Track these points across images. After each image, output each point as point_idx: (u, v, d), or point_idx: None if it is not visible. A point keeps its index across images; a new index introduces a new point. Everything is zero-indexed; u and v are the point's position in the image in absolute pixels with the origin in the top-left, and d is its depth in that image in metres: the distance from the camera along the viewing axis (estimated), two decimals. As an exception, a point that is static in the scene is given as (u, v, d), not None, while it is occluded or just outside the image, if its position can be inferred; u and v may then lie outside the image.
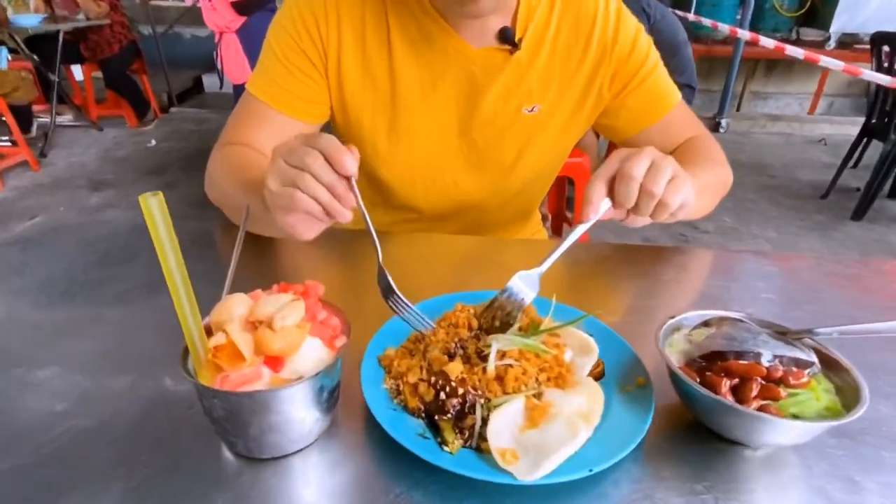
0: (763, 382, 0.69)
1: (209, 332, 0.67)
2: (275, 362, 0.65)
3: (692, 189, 0.88)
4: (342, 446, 0.73)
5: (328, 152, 0.76)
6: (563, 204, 3.74)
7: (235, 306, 0.67)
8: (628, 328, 0.98)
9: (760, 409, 0.67)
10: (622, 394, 0.77)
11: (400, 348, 0.84)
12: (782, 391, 0.68)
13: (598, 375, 0.80)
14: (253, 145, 1.19)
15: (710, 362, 0.73)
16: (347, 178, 0.81)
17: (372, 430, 0.72)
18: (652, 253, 1.27)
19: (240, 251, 0.80)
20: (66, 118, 6.36)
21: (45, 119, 5.91)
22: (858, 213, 4.66)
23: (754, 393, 0.68)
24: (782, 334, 0.78)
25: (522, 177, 1.32)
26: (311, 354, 0.67)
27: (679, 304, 1.08)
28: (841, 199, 5.00)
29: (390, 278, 0.82)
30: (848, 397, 0.69)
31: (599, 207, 0.86)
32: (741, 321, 0.82)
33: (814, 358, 0.72)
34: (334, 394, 0.71)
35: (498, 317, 0.85)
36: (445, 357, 0.76)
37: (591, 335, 0.87)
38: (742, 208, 4.83)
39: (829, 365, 0.73)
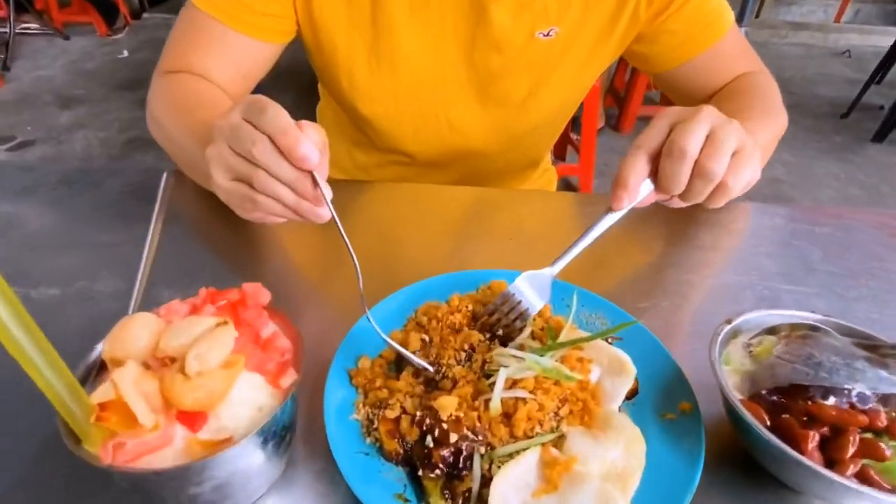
0: (861, 434, 0.52)
1: (103, 367, 0.48)
2: (192, 419, 0.46)
3: (759, 163, 0.66)
4: (301, 495, 0.56)
5: (277, 139, 0.56)
6: (568, 124, 3.45)
7: (135, 335, 0.47)
8: (656, 318, 0.80)
9: (858, 474, 0.50)
10: (661, 423, 0.60)
11: (379, 359, 0.66)
12: (886, 446, 0.51)
13: (629, 394, 0.62)
14: (203, 73, 0.94)
15: (787, 398, 0.55)
16: (309, 172, 0.59)
17: (339, 473, 0.55)
18: (674, 209, 1.05)
19: (155, 245, 0.59)
20: (29, 26, 5.82)
21: (4, 29, 5.40)
22: (880, 135, 4.38)
23: (851, 451, 0.50)
24: (871, 348, 0.59)
25: (534, 118, 1.08)
26: (247, 401, 0.48)
27: (717, 283, 0.88)
28: (862, 118, 4.69)
29: (375, 325, 0.62)
30: None
31: (638, 192, 0.65)
32: (819, 329, 0.63)
33: None
34: (285, 438, 0.53)
35: (499, 326, 0.66)
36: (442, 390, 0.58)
37: (614, 339, 0.68)
38: (757, 128, 4.53)
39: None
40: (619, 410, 0.59)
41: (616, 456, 0.52)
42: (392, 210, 1.02)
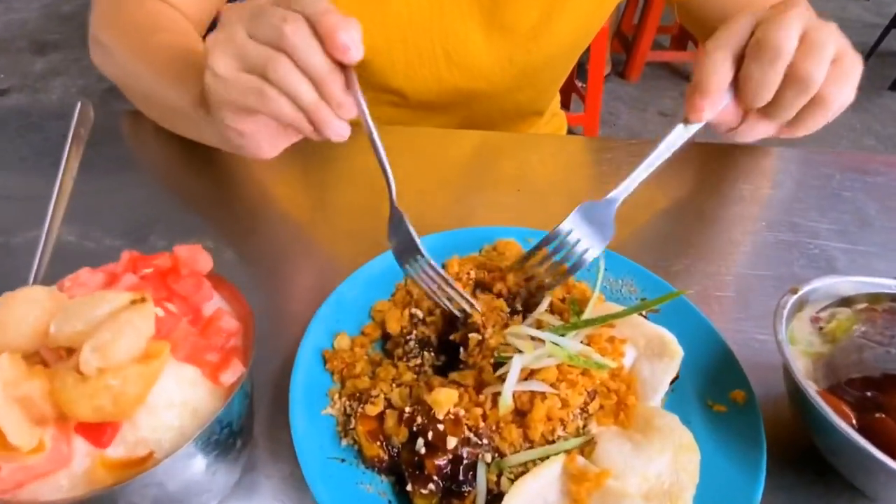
0: None
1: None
2: (97, 432, 0.34)
3: (857, 78, 0.53)
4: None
5: (316, 20, 0.47)
6: (573, 71, 3.25)
7: (18, 318, 0.35)
8: (691, 284, 0.67)
9: None
10: (708, 416, 0.48)
11: (361, 337, 0.53)
12: None
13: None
14: None
15: (880, 392, 0.43)
16: (345, 68, 0.49)
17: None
18: (707, 153, 0.91)
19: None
20: (-4, -38, 5.45)
21: (-31, -35, 5.05)
22: (899, 81, 4.18)
23: None
24: None
25: (545, 49, 0.92)
26: (176, 403, 0.36)
27: (760, 240, 0.75)
28: (881, 65, 4.47)
29: (413, 231, 0.51)
30: None
31: (721, 99, 0.52)
32: (888, 294, 0.50)
33: None
34: (235, 444, 0.41)
35: (544, 280, 0.53)
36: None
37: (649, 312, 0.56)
38: (771, 76, 4.32)
39: None
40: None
41: (661, 468, 0.40)
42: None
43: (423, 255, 0.49)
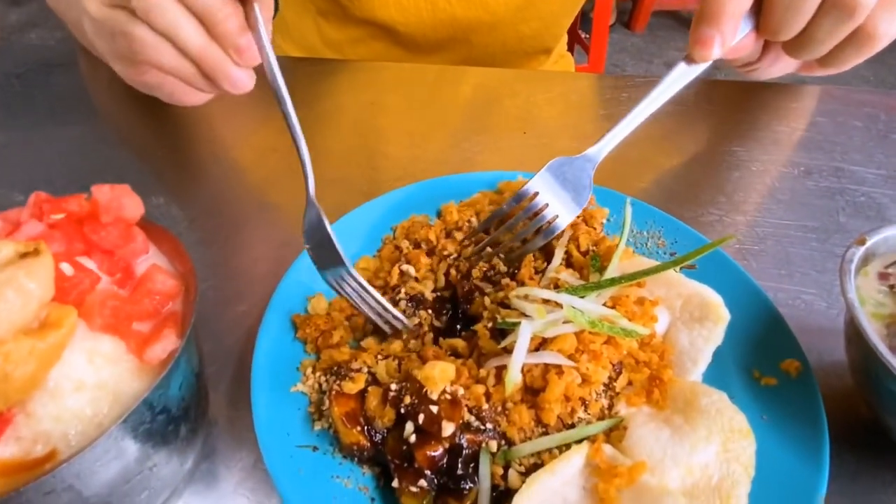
0: None
1: None
2: (-24, 425, 0.25)
3: None
4: (221, 502, 0.37)
5: None
6: (577, 20, 3.08)
7: None
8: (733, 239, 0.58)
9: None
10: (755, 390, 0.40)
11: (340, 300, 0.45)
12: None
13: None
14: None
15: None
16: (244, 2, 0.38)
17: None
18: (736, 92, 0.81)
19: None
20: None
21: None
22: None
23: None
24: None
25: None
26: (89, 386, 0.28)
27: (799, 187, 0.66)
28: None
29: (334, 236, 0.39)
30: None
31: (735, 32, 0.42)
32: None
33: None
34: (178, 431, 0.33)
35: (507, 248, 0.44)
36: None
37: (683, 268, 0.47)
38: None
39: None
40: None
41: (708, 459, 0.32)
42: (371, 95, 0.77)
43: (344, 266, 0.39)
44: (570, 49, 3.50)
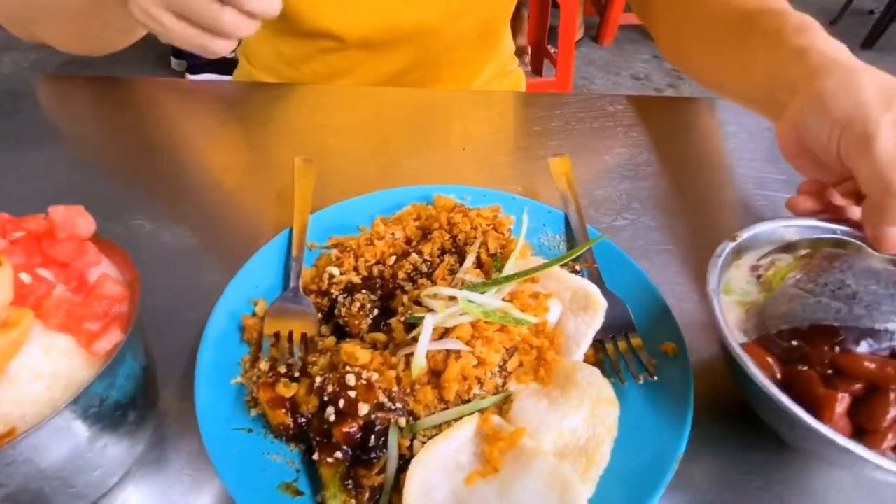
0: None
1: None
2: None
3: None
4: (167, 485, 0.43)
5: None
6: (544, 34, 3.19)
7: None
8: (635, 238, 0.65)
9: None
10: (640, 370, 0.46)
11: (279, 303, 0.50)
12: None
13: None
14: None
15: (807, 344, 0.41)
16: None
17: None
18: (664, 107, 0.89)
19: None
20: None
21: None
22: (870, 41, 4.19)
23: (889, 419, 0.37)
24: None
25: None
26: (45, 375, 0.33)
27: (708, 196, 0.73)
28: (853, 24, 4.47)
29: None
30: None
31: None
32: (851, 243, 0.49)
33: None
34: (127, 416, 0.39)
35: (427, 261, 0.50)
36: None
37: (584, 266, 0.54)
38: (744, 37, 4.28)
39: None
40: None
41: (577, 423, 0.39)
42: (321, 117, 0.84)
43: None
44: (539, 64, 3.59)
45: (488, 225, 0.53)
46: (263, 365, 0.43)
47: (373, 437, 0.39)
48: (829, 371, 0.39)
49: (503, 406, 0.41)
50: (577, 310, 0.46)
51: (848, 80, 0.47)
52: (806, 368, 0.39)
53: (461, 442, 0.38)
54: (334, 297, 0.49)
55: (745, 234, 0.50)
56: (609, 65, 3.69)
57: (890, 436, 0.37)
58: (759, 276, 0.50)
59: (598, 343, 0.47)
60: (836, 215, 0.53)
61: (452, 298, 0.44)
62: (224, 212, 0.67)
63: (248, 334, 0.48)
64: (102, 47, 0.79)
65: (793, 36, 0.55)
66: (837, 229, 0.50)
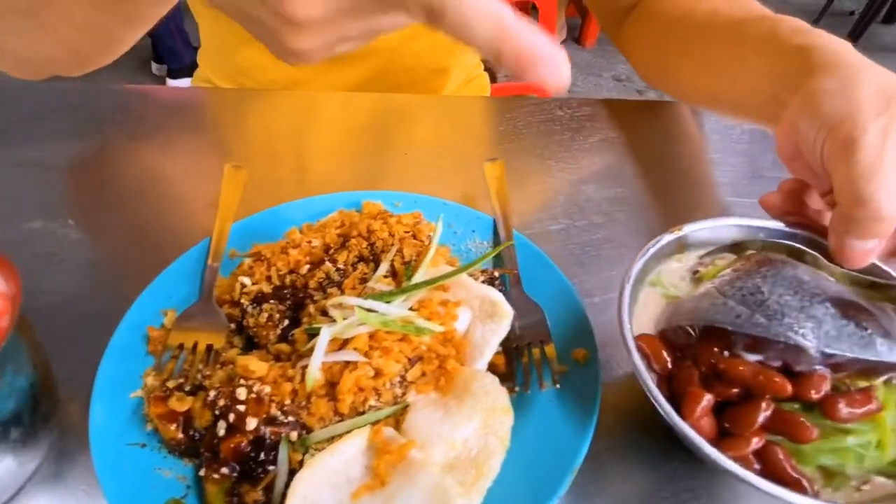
0: (784, 405, 0.38)
1: None
2: None
3: None
4: (61, 498, 0.42)
5: None
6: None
7: None
8: (570, 242, 0.65)
9: (761, 452, 0.37)
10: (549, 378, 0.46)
11: (188, 314, 0.49)
12: (814, 425, 0.37)
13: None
14: None
15: (701, 343, 0.41)
16: None
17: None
18: (616, 109, 0.89)
19: None
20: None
21: None
22: (849, 42, 4.22)
23: (759, 422, 0.37)
24: (874, 287, 0.44)
25: None
26: None
27: (648, 201, 0.73)
28: (833, 24, 4.51)
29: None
30: None
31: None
32: (807, 253, 0.48)
33: None
34: (12, 430, 0.38)
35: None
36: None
37: (502, 273, 0.53)
38: (725, 38, 4.32)
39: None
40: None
41: (469, 434, 0.38)
42: (263, 122, 0.83)
43: None
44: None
45: (406, 232, 0.52)
46: (152, 379, 0.43)
47: (262, 452, 0.38)
48: (706, 371, 0.39)
49: (401, 417, 0.41)
50: (484, 318, 0.45)
51: (847, 79, 0.43)
52: (689, 365, 0.40)
53: (350, 455, 0.38)
54: (244, 307, 0.48)
55: (688, 229, 0.49)
56: (591, 66, 3.70)
57: (755, 440, 0.36)
58: (695, 273, 0.50)
59: (514, 351, 0.47)
60: (809, 220, 0.50)
61: (356, 309, 0.43)
62: (153, 220, 0.66)
63: (152, 346, 0.47)
64: (101, 53, 0.63)
65: (791, 37, 0.52)
66: (798, 235, 0.49)
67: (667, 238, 0.48)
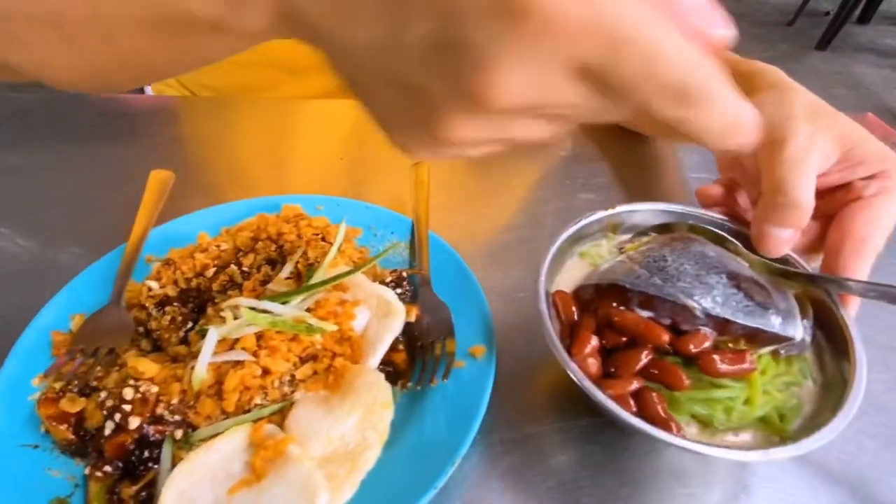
0: (665, 356, 0.42)
1: None
2: None
3: None
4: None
5: None
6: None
7: None
8: (496, 239, 0.66)
9: (638, 395, 0.40)
10: (453, 372, 0.47)
11: (94, 318, 0.50)
12: (685, 377, 0.40)
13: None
14: None
15: (601, 298, 0.45)
16: None
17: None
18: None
19: None
20: None
21: None
22: (824, 42, 4.28)
23: (639, 367, 0.41)
24: (785, 275, 0.47)
25: None
26: None
27: (578, 195, 0.75)
28: (808, 25, 4.58)
29: None
30: (832, 400, 0.40)
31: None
32: (729, 242, 0.51)
33: (798, 333, 0.42)
34: None
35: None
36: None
37: (411, 273, 0.55)
38: (702, 40, 4.37)
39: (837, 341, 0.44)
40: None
41: (347, 429, 0.39)
42: (207, 128, 0.84)
43: None
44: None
45: (315, 234, 0.53)
46: (37, 380, 0.44)
47: (146, 450, 0.39)
48: (605, 323, 0.43)
49: (287, 415, 0.42)
50: (381, 316, 0.47)
51: (783, 94, 0.49)
52: (589, 317, 0.43)
53: (230, 451, 0.38)
54: (149, 310, 0.49)
55: (621, 209, 0.52)
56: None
57: (634, 383, 0.40)
58: (621, 248, 0.52)
59: (419, 348, 0.49)
60: (737, 214, 0.55)
61: (252, 308, 0.44)
62: (79, 226, 0.66)
63: (56, 350, 0.47)
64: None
65: (738, 64, 0.57)
66: (725, 225, 0.52)
67: (599, 214, 0.51)
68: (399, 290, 0.52)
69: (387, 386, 0.41)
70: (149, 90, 1.02)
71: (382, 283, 0.52)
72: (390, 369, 0.47)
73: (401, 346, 0.48)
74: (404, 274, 0.53)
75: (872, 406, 0.50)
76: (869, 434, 0.48)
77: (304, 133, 0.85)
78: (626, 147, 0.83)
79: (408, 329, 0.50)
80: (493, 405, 0.49)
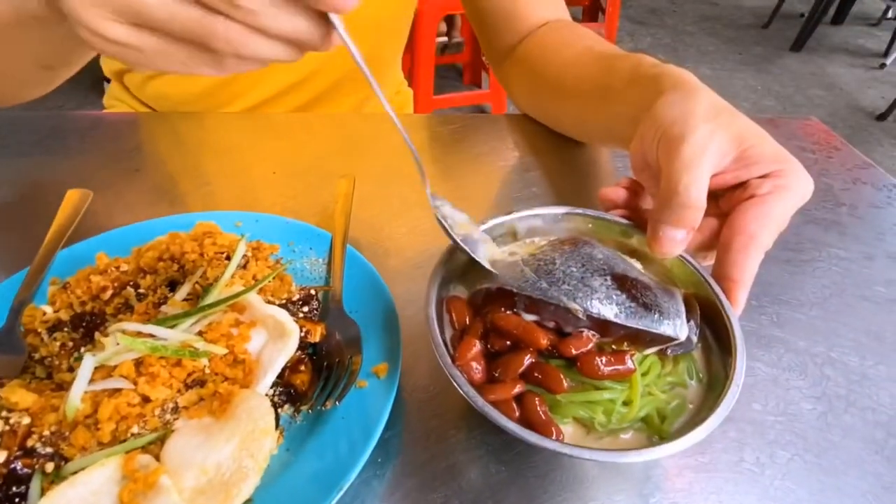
0: (550, 359, 0.41)
1: None
2: None
3: None
4: None
5: None
6: (480, 47, 3.24)
7: None
8: (423, 254, 0.65)
9: (520, 399, 0.39)
10: (352, 393, 0.46)
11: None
12: (564, 380, 0.40)
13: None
14: None
15: (489, 302, 0.44)
16: None
17: None
18: (490, 122, 0.90)
19: None
20: None
21: None
22: (798, 43, 4.33)
23: (520, 370, 0.40)
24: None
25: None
26: None
27: (502, 201, 0.74)
28: (783, 27, 4.64)
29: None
30: (713, 399, 0.39)
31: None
32: (627, 230, 0.51)
33: (683, 333, 0.42)
34: None
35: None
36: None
37: (320, 290, 0.53)
38: (679, 42, 4.40)
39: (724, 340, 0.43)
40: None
41: (223, 458, 0.37)
42: (134, 144, 0.82)
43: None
44: (477, 77, 3.64)
45: (220, 252, 0.52)
46: None
47: (14, 485, 0.37)
48: (491, 327, 0.42)
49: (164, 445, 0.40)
50: (276, 338, 0.45)
51: (686, 93, 0.50)
52: (478, 321, 0.43)
53: (98, 484, 0.37)
54: (41, 336, 0.47)
55: (522, 213, 0.52)
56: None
57: (516, 387, 0.39)
58: (511, 253, 0.51)
59: (325, 368, 0.47)
60: (639, 217, 0.54)
61: (138, 332, 0.42)
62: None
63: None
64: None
65: (650, 68, 0.59)
66: (622, 221, 0.52)
67: (500, 219, 0.51)
68: (307, 308, 0.51)
69: (269, 411, 0.40)
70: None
71: (290, 301, 0.51)
72: (291, 391, 0.46)
73: (302, 368, 0.47)
74: (312, 292, 0.52)
75: (786, 415, 0.49)
76: (782, 444, 0.47)
77: (237, 146, 0.83)
78: (561, 156, 0.82)
79: (315, 348, 0.49)
80: (403, 425, 0.48)
